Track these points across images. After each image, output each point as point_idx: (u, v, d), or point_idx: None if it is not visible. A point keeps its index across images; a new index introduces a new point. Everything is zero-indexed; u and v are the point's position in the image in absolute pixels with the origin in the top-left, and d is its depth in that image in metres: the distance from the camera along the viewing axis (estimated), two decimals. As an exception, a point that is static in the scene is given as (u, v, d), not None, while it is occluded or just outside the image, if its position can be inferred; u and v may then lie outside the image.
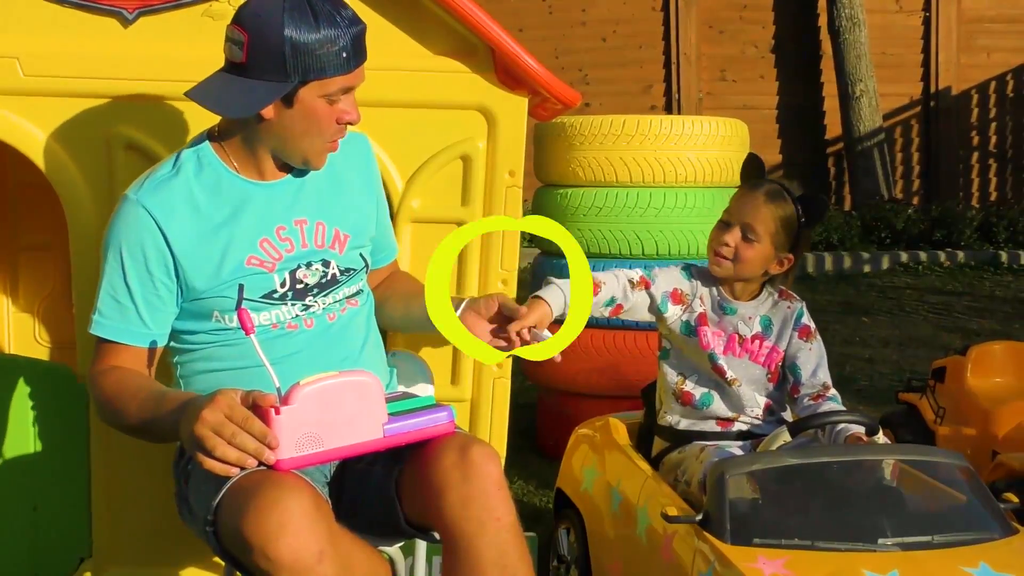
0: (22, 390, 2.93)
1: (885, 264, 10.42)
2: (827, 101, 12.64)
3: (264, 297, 2.49)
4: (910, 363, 6.79)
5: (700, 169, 4.54)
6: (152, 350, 2.49)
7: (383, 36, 2.77)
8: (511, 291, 3.09)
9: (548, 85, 2.96)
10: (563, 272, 4.61)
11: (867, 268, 10.36)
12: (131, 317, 2.45)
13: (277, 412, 2.12)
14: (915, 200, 12.48)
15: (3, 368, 2.93)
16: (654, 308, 3.03)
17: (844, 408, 2.93)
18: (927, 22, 12.72)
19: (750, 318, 3.02)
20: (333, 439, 2.18)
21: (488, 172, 3.02)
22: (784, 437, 2.76)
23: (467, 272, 3.07)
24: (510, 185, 3.03)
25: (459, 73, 2.96)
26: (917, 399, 4.16)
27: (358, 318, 2.64)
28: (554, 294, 2.79)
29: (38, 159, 2.81)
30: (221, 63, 2.48)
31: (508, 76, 2.97)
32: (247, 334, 2.22)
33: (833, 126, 12.58)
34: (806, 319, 3.04)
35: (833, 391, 2.99)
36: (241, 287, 2.44)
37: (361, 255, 2.63)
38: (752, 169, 3.07)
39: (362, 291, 2.66)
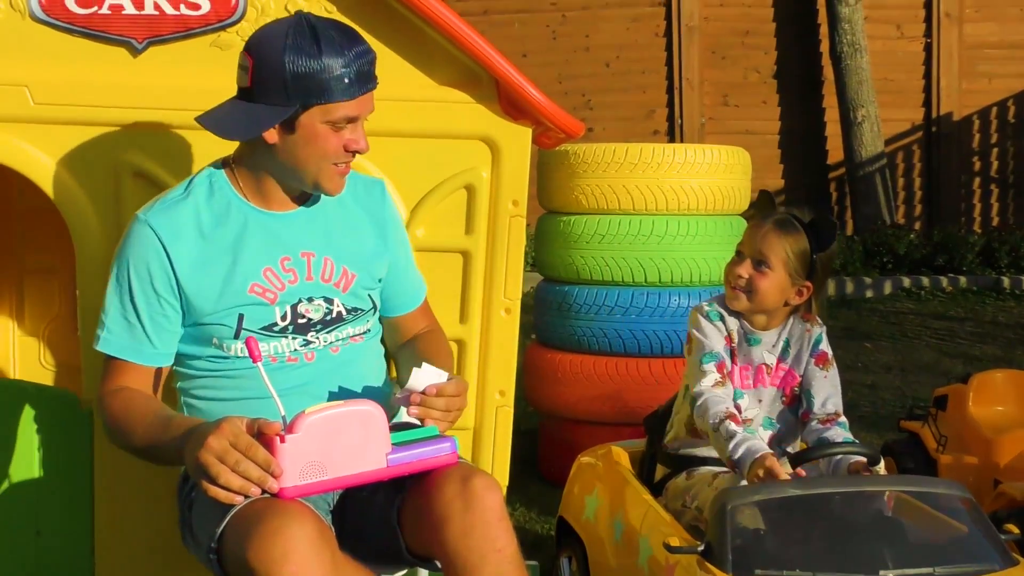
0: (27, 416, 2.93)
1: (887, 289, 10.42)
2: (829, 126, 12.66)
3: (264, 329, 2.49)
4: (912, 389, 6.79)
5: (703, 197, 4.55)
6: (159, 370, 2.51)
7: (388, 66, 2.79)
8: (515, 319, 3.11)
9: (552, 116, 2.98)
10: (566, 297, 4.64)
11: (869, 293, 10.36)
12: (138, 335, 2.46)
13: (282, 440, 2.13)
14: (917, 225, 12.48)
15: (9, 393, 2.94)
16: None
17: (850, 434, 2.93)
18: (928, 48, 12.75)
19: (774, 345, 3.02)
20: (337, 468, 2.19)
21: (492, 201, 3.04)
22: (787, 468, 2.75)
23: (471, 300, 3.08)
24: (514, 214, 3.05)
25: (463, 103, 2.98)
26: (919, 427, 4.16)
27: (363, 354, 2.64)
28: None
29: (47, 186, 2.83)
30: (229, 93, 2.51)
31: (512, 106, 2.98)
32: (254, 362, 2.23)
33: (835, 151, 12.60)
34: (824, 345, 3.04)
35: (843, 418, 2.98)
36: (241, 316, 2.45)
37: (370, 296, 2.63)
38: (763, 205, 3.08)
39: (369, 329, 2.66)
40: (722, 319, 3.01)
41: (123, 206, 2.84)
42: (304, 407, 2.20)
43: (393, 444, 2.25)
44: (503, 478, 3.10)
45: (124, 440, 2.42)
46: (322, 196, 2.58)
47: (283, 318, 2.51)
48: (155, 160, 2.85)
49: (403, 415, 2.68)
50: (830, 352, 3.04)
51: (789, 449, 3.02)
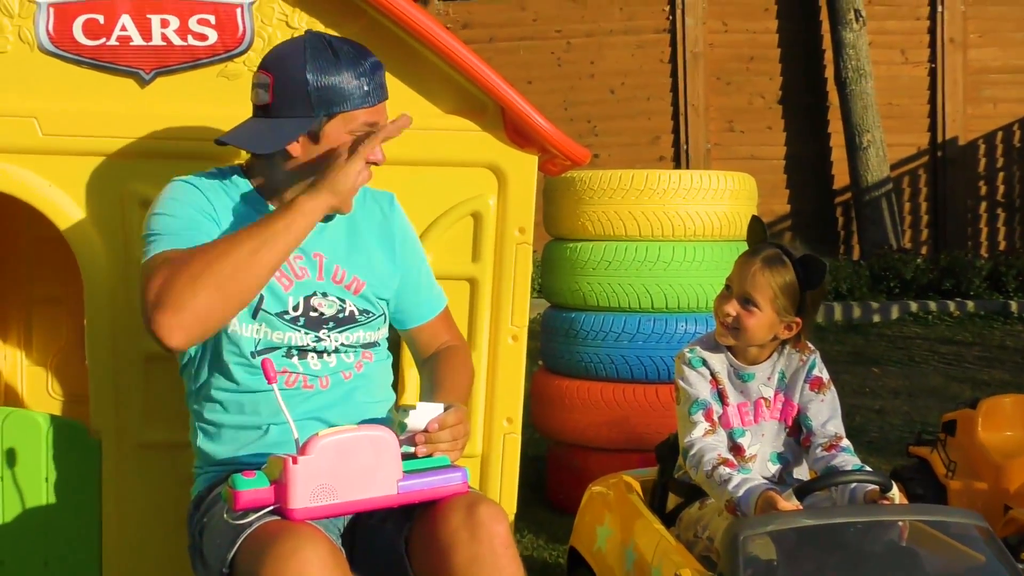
0: (36, 445, 2.93)
1: (894, 314, 10.42)
2: (834, 151, 12.67)
3: (278, 315, 2.51)
4: (921, 414, 6.77)
5: (709, 223, 4.56)
6: None
7: (394, 95, 2.79)
8: (522, 346, 3.11)
9: (558, 143, 2.99)
10: (573, 324, 4.64)
11: (876, 318, 10.35)
12: (192, 231, 2.44)
13: (295, 461, 2.14)
14: (923, 250, 12.48)
15: (17, 423, 2.94)
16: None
17: (858, 460, 2.89)
18: (933, 73, 12.77)
19: (769, 378, 2.98)
20: (348, 492, 2.20)
21: (498, 229, 3.04)
22: (793, 500, 2.70)
23: (478, 327, 3.08)
24: (520, 242, 3.05)
25: (469, 131, 2.99)
26: (928, 453, 4.15)
27: (374, 377, 2.65)
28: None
29: (55, 216, 2.84)
30: (236, 122, 2.55)
31: (518, 134, 2.99)
32: (269, 383, 2.25)
33: (841, 176, 12.61)
34: (818, 370, 3.00)
35: (846, 442, 2.94)
36: (261, 296, 2.45)
37: (380, 302, 2.65)
38: (754, 232, 3.05)
39: (379, 344, 2.67)
40: (705, 363, 2.97)
41: (130, 236, 2.85)
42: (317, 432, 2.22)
43: (404, 471, 2.26)
44: (511, 505, 3.10)
45: (208, 269, 2.28)
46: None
47: (295, 308, 2.53)
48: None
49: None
50: (825, 376, 3.01)
51: (798, 476, 3.00)
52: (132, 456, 2.94)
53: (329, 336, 2.56)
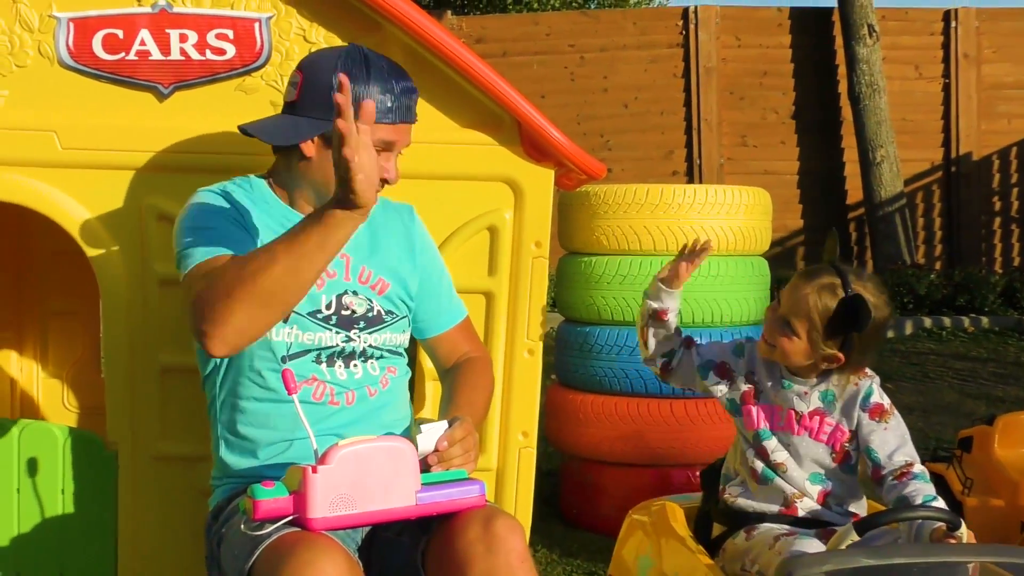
0: (52, 457, 2.94)
1: (908, 329, 10.40)
2: (848, 166, 12.68)
3: (310, 314, 2.53)
4: (935, 431, 6.75)
5: (724, 237, 4.55)
6: None
7: (412, 109, 2.81)
8: (537, 360, 3.11)
9: (574, 158, 2.99)
10: (587, 338, 4.64)
11: (890, 333, 10.32)
12: (225, 240, 2.45)
13: (314, 471, 2.15)
14: (937, 265, 12.47)
15: (33, 435, 2.95)
16: (695, 374, 2.95)
17: (931, 488, 2.66)
18: (947, 88, 12.78)
19: (806, 393, 2.81)
20: (366, 502, 2.20)
21: (515, 243, 3.05)
22: (853, 536, 2.50)
23: (494, 341, 3.08)
24: (536, 256, 3.06)
25: (486, 146, 2.99)
26: (944, 469, 4.13)
27: (396, 393, 2.67)
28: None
29: (73, 229, 2.86)
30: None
31: (534, 148, 3.00)
32: (289, 394, 2.25)
33: (854, 191, 12.61)
34: (877, 396, 2.80)
35: (918, 467, 2.72)
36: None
37: (404, 302, 2.67)
38: (829, 250, 2.88)
39: (403, 354, 2.69)
40: (745, 354, 2.92)
41: (148, 249, 2.87)
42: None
43: (422, 483, 2.27)
44: (526, 520, 3.10)
45: (244, 293, 2.25)
46: None
47: (328, 307, 2.55)
48: (180, 203, 2.84)
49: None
50: (886, 402, 2.81)
51: (853, 510, 2.83)
52: (148, 468, 2.95)
53: (359, 336, 2.58)
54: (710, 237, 4.51)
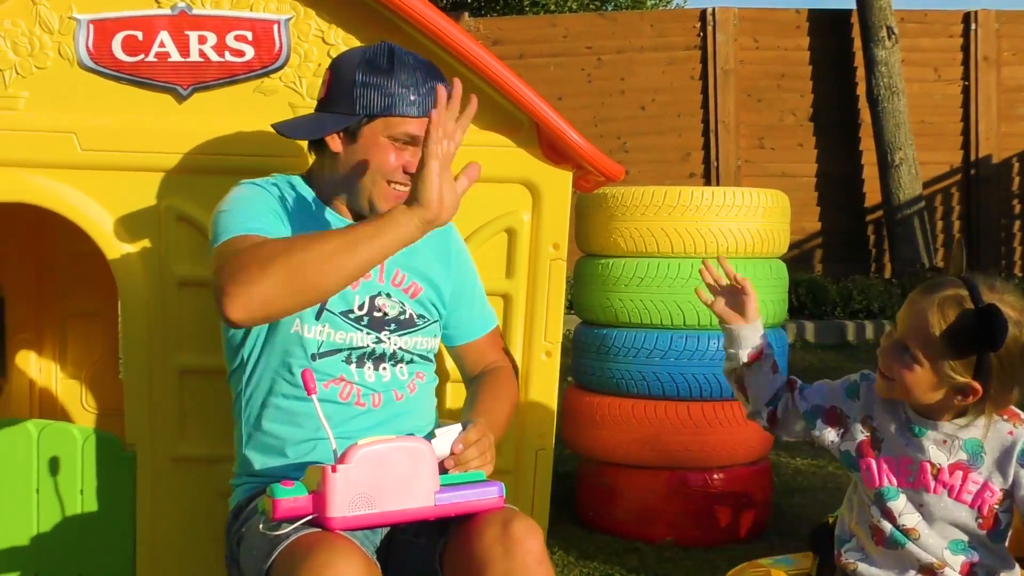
0: (70, 458, 2.96)
1: (926, 333, 10.33)
2: (866, 169, 12.63)
3: (342, 313, 2.54)
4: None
5: (741, 240, 4.54)
6: None
7: (430, 111, 2.82)
8: (555, 362, 3.11)
9: (592, 160, 2.99)
10: (604, 340, 4.64)
11: (909, 337, 10.28)
12: (265, 223, 2.46)
13: (333, 470, 2.15)
14: (956, 268, 12.41)
15: (53, 435, 2.96)
16: (801, 422, 2.52)
17: None
18: (966, 91, 12.73)
19: (944, 442, 2.33)
20: (386, 502, 2.21)
21: (532, 245, 3.05)
22: None
23: (511, 343, 3.09)
24: (554, 258, 3.06)
25: (504, 148, 3.00)
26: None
27: (422, 400, 2.67)
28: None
29: (92, 230, 2.87)
30: (272, 137, 2.61)
31: (553, 151, 3.00)
32: (309, 394, 2.26)
33: (872, 194, 12.57)
34: None
35: None
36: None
37: (435, 307, 2.69)
38: (955, 260, 2.44)
39: (431, 360, 2.70)
40: (859, 395, 2.47)
41: (167, 250, 2.88)
42: None
43: (441, 484, 2.27)
44: (542, 522, 3.10)
45: (278, 263, 2.24)
46: None
47: (360, 307, 2.56)
48: (199, 205, 2.88)
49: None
50: None
51: None
52: (166, 469, 2.96)
53: (390, 339, 2.59)
54: (728, 239, 4.53)
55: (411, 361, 2.63)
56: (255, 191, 2.54)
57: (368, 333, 2.56)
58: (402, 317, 2.61)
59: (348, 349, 2.55)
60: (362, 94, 2.48)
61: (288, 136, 2.60)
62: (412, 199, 2.29)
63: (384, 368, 2.59)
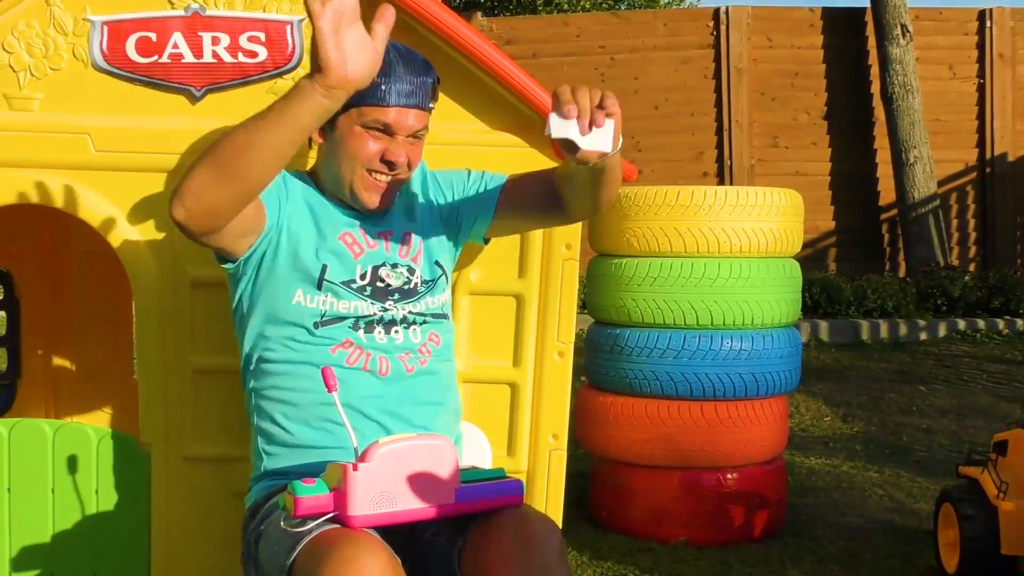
0: (85, 458, 2.96)
1: (942, 332, 10.32)
2: (880, 167, 12.61)
3: (344, 283, 2.56)
4: (969, 434, 6.72)
5: (755, 239, 4.54)
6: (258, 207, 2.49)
7: (443, 112, 2.81)
8: (568, 362, 3.11)
9: (605, 160, 2.98)
10: (618, 340, 4.64)
11: (923, 336, 10.26)
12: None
13: (355, 468, 2.16)
14: (971, 267, 12.38)
15: (67, 435, 2.97)
16: None
17: None
18: (981, 89, 12.71)
19: None
20: (406, 500, 2.22)
21: (545, 245, 3.04)
22: None
23: (524, 344, 3.08)
24: (567, 258, 3.05)
25: (517, 148, 2.99)
26: (978, 473, 4.10)
27: (436, 372, 2.65)
28: None
29: (106, 231, 2.87)
30: None
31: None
32: (329, 391, 2.27)
33: (887, 192, 12.54)
34: None
35: None
36: (324, 267, 2.52)
37: (438, 263, 2.70)
38: None
39: (446, 317, 2.70)
40: None
41: (180, 251, 2.88)
42: (372, 431, 2.29)
43: (461, 481, 2.28)
44: (556, 521, 3.10)
45: (209, 151, 2.28)
46: (398, 204, 2.66)
47: (362, 276, 2.58)
48: (212, 205, 2.88)
49: (470, 459, 2.70)
50: None
51: None
52: (180, 469, 2.96)
53: (396, 306, 2.60)
54: (741, 239, 4.53)
55: (424, 322, 2.64)
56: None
57: (372, 303, 2.58)
58: (406, 287, 2.62)
59: (354, 317, 2.56)
60: None
61: None
62: (312, 66, 2.19)
63: (396, 331, 2.60)
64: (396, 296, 2.60)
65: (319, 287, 2.54)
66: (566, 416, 3.14)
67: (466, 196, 2.75)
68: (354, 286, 2.57)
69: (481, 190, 2.75)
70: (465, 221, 2.74)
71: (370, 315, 2.57)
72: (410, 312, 2.62)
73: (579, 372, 4.11)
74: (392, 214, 2.67)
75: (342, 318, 2.55)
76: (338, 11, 2.15)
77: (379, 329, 2.58)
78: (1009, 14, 12.77)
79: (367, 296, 2.58)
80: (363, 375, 2.56)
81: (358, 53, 2.20)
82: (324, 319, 2.54)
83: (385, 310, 2.59)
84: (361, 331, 2.56)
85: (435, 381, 2.66)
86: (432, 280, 2.67)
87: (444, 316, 2.71)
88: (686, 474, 4.61)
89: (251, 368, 2.63)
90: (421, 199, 2.74)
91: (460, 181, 2.77)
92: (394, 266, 2.62)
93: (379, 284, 2.59)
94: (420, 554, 2.48)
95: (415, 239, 2.67)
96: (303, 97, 2.21)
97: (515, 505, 2.35)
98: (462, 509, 2.29)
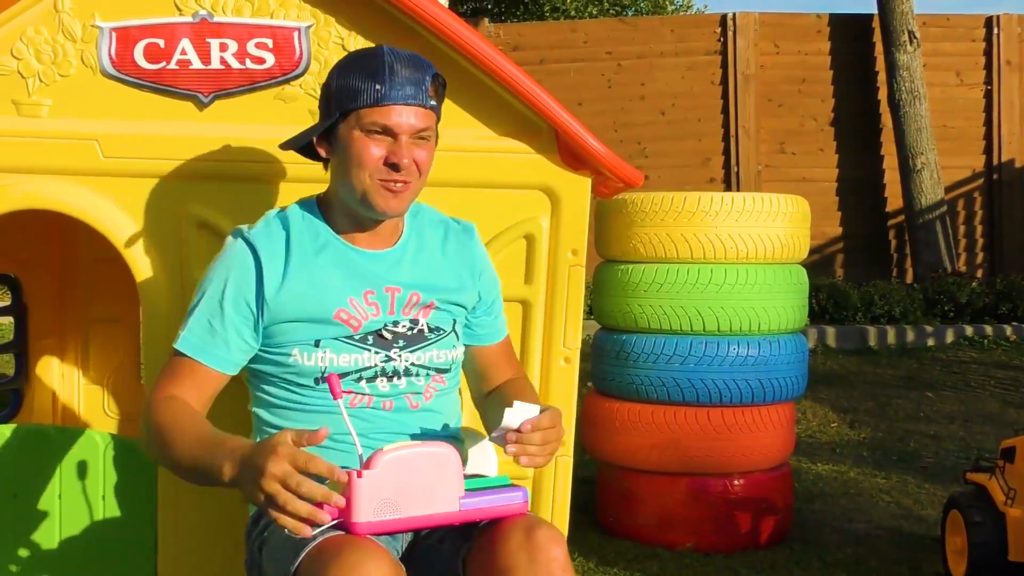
0: (93, 463, 2.97)
1: (949, 338, 10.31)
2: (888, 174, 12.61)
3: (346, 338, 2.49)
4: (977, 440, 6.71)
5: (761, 245, 4.54)
6: (222, 377, 2.50)
7: (449, 117, 2.81)
8: (574, 368, 3.11)
9: (611, 166, 2.99)
10: (624, 346, 4.64)
11: (931, 342, 10.25)
12: (218, 341, 2.47)
13: (359, 475, 2.16)
14: (979, 273, 12.38)
15: (75, 440, 2.97)
16: None
17: None
18: (989, 95, 12.71)
19: None
20: (410, 507, 2.21)
21: (551, 251, 3.05)
22: None
23: (530, 350, 3.09)
24: (573, 264, 3.06)
25: (523, 154, 3.00)
26: (986, 479, 4.09)
27: (442, 411, 2.62)
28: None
29: (114, 237, 2.88)
30: None
31: (572, 157, 3.00)
32: (335, 398, 2.26)
33: (894, 199, 12.55)
34: None
35: None
36: (318, 341, 2.47)
37: (453, 320, 2.62)
38: None
39: (451, 369, 2.64)
40: None
41: (187, 257, 2.89)
42: (375, 447, 2.23)
43: (466, 489, 2.27)
44: (563, 528, 3.09)
45: (162, 450, 2.35)
46: (410, 239, 2.59)
47: (363, 340, 2.51)
48: (220, 211, 2.89)
49: (476, 465, 2.70)
50: None
51: None
52: (187, 475, 2.96)
53: (400, 356, 2.54)
54: (748, 245, 4.52)
55: (428, 375, 2.58)
56: (240, 267, 2.49)
57: (376, 352, 2.52)
58: (411, 333, 2.55)
59: (357, 371, 2.51)
60: (337, 95, 2.44)
61: (280, 147, 2.59)
62: (248, 463, 2.12)
63: (399, 379, 2.54)
64: (401, 343, 2.54)
65: (316, 345, 2.48)
66: (572, 422, 3.14)
67: (482, 311, 2.71)
68: (356, 337, 2.50)
69: (486, 325, 2.73)
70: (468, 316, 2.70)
71: (372, 366, 2.52)
72: (413, 364, 2.55)
73: (585, 378, 4.11)
74: (408, 264, 2.58)
75: (344, 373, 2.49)
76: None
77: (382, 379, 2.53)
78: (1017, 20, 12.78)
79: (370, 345, 2.52)
80: (366, 411, 2.53)
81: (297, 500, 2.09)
82: (325, 375, 2.48)
83: (388, 359, 2.53)
84: (363, 382, 2.51)
85: (439, 418, 2.62)
86: (441, 329, 2.60)
87: (449, 370, 2.63)
88: (693, 480, 4.60)
89: (254, 392, 2.61)
90: (459, 257, 2.66)
91: (488, 290, 2.72)
92: (395, 323, 2.54)
93: (383, 336, 2.53)
94: (424, 561, 2.47)
95: (425, 297, 2.57)
96: (220, 473, 2.18)
97: (520, 514, 2.35)
98: (466, 517, 2.28)
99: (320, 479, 2.13)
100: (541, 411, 2.37)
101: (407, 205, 2.53)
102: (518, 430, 2.33)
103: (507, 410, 2.34)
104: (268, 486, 2.05)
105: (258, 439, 2.58)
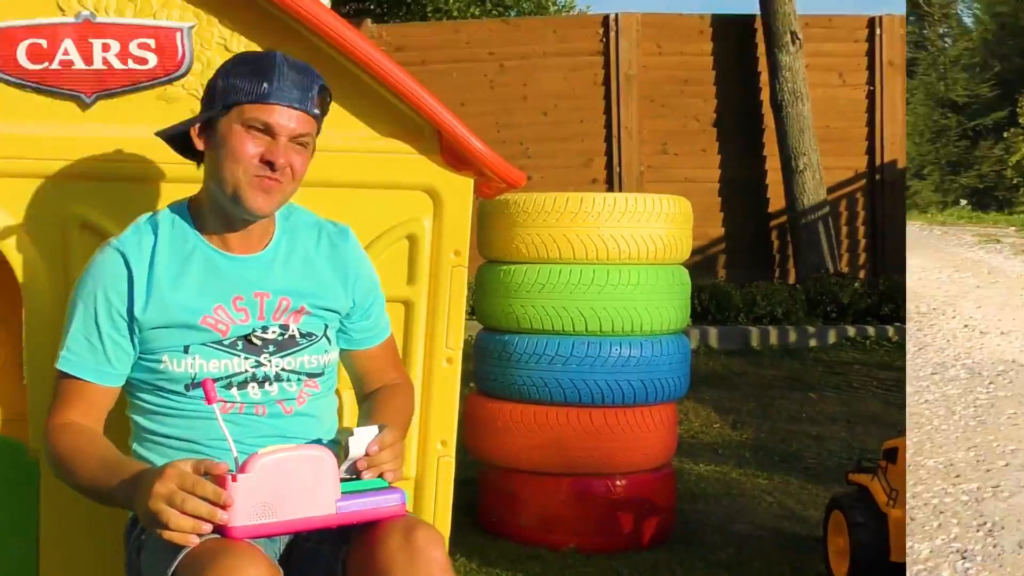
0: (-28, 465, 2.91)
1: (832, 339, 10.43)
2: (770, 174, 12.77)
3: (214, 343, 2.49)
4: (859, 440, 6.79)
5: (644, 246, 4.58)
6: (112, 390, 2.51)
7: (331, 118, 2.79)
8: (456, 369, 3.12)
9: (494, 167, 3.01)
10: (506, 347, 4.64)
11: (813, 342, 10.36)
12: (99, 356, 2.47)
13: (234, 479, 2.15)
14: (861, 274, 12.57)
15: (-47, 444, 2.92)
16: None
17: None
18: (871, 96, 12.91)
19: None
20: (287, 511, 2.21)
21: (434, 251, 3.06)
22: None
23: (412, 350, 3.09)
24: (455, 264, 3.07)
25: (406, 154, 3.00)
26: (868, 480, 4.13)
27: (317, 416, 2.62)
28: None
29: None
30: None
31: (454, 157, 3.01)
32: (208, 403, 2.25)
33: (776, 199, 12.71)
34: None
35: None
36: (187, 347, 2.47)
37: (325, 325, 2.62)
38: None
39: (323, 374, 2.63)
40: None
41: (71, 257, 2.86)
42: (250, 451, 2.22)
43: (343, 492, 2.27)
44: (445, 529, 3.10)
45: (68, 477, 2.41)
46: (281, 241, 2.59)
47: (232, 345, 2.51)
48: (103, 212, 2.87)
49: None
50: None
51: None
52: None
53: (270, 361, 2.54)
54: (630, 245, 4.56)
55: (299, 380, 2.58)
56: (111, 277, 2.48)
57: (246, 358, 2.51)
58: (281, 339, 2.55)
59: (227, 377, 2.50)
60: (221, 89, 2.44)
61: (158, 135, 2.58)
62: (140, 485, 2.19)
63: (270, 385, 2.53)
64: (272, 348, 2.54)
65: (185, 351, 2.48)
66: (454, 422, 3.15)
67: (357, 316, 2.71)
68: (225, 343, 2.50)
69: (363, 329, 2.73)
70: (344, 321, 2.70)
71: (242, 372, 2.51)
72: (284, 370, 2.55)
73: (468, 379, 4.11)
74: (278, 267, 2.58)
75: (215, 379, 2.46)
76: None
77: (252, 385, 2.53)
78: (899, 22, 13.02)
79: (240, 351, 2.51)
80: (240, 416, 2.52)
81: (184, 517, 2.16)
82: (196, 381, 2.48)
83: (259, 365, 2.52)
84: (234, 389, 2.51)
85: (313, 422, 2.62)
86: (313, 335, 2.60)
87: (323, 375, 2.63)
88: (575, 481, 4.63)
89: (131, 400, 2.59)
90: (331, 262, 2.66)
91: (364, 295, 2.71)
92: (264, 328, 2.53)
93: (254, 341, 2.52)
94: (304, 563, 2.47)
95: (295, 302, 2.57)
96: (117, 490, 2.28)
97: (398, 516, 2.35)
98: (343, 520, 2.28)
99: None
100: (380, 428, 2.39)
101: (276, 206, 2.53)
102: (367, 454, 2.35)
103: (350, 439, 2.36)
104: (154, 504, 2.12)
105: (136, 445, 2.56)
